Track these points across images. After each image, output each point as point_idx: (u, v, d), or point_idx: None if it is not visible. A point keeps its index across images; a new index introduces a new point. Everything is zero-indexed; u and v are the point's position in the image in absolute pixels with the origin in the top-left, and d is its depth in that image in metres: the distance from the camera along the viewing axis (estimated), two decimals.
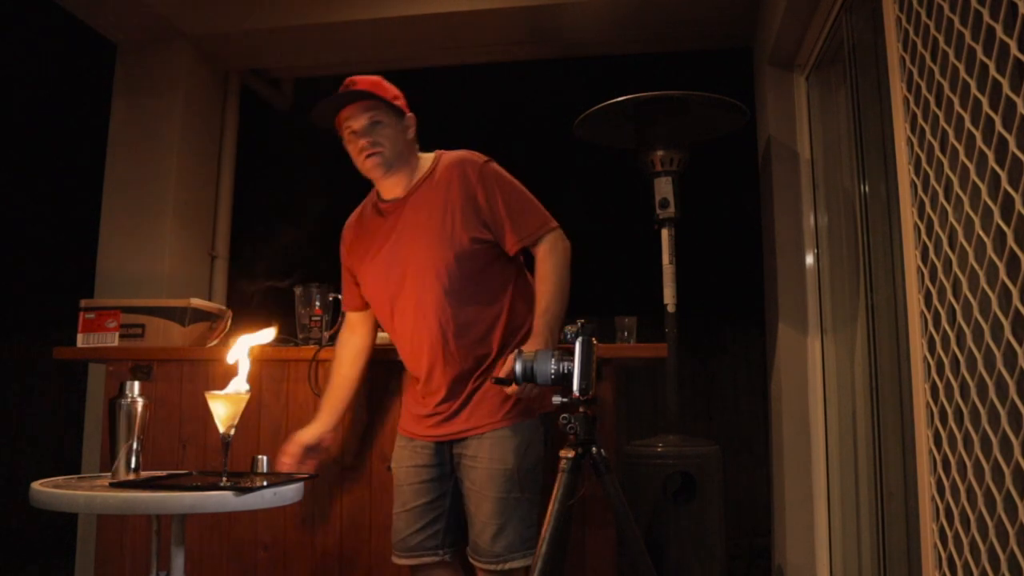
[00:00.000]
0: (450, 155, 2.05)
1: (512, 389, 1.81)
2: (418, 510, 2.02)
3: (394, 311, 2.03)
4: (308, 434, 2.10)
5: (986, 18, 1.29)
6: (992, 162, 1.29)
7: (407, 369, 2.11)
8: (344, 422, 2.42)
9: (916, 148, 1.63)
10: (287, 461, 2.06)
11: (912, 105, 1.64)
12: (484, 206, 1.97)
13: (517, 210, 1.98)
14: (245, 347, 1.80)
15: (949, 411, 1.47)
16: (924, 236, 1.60)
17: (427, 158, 2.07)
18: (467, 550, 1.98)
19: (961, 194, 1.41)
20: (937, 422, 1.53)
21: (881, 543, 2.30)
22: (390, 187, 2.04)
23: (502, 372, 1.83)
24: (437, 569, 2.02)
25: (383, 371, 2.40)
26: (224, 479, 1.75)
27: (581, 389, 1.67)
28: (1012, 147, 1.21)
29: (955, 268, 1.45)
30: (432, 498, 2.02)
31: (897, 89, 1.72)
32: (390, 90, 2.04)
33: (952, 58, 1.43)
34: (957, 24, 1.41)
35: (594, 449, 1.70)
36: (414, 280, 1.97)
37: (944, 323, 1.50)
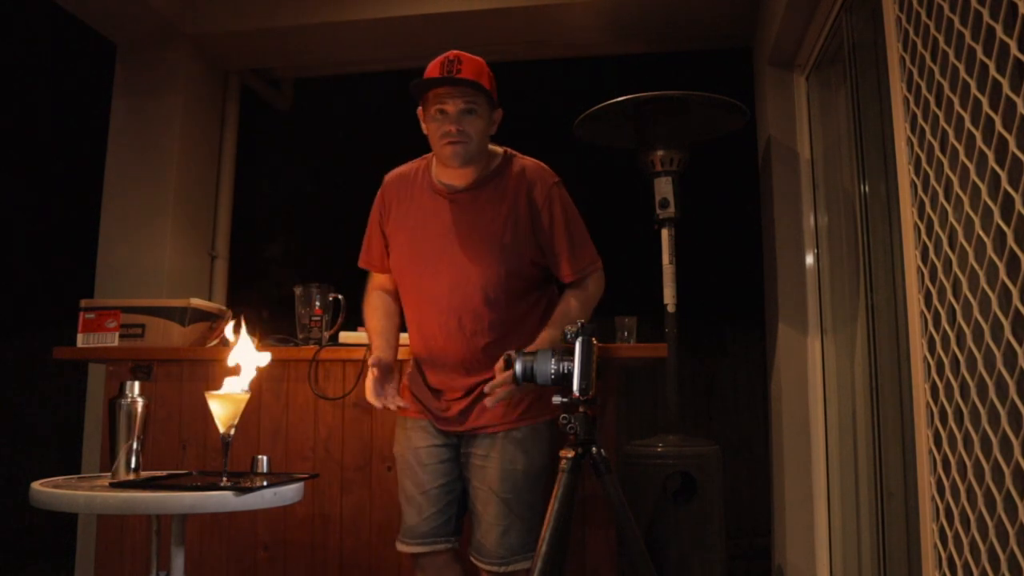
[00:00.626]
0: (523, 161, 2.00)
1: (493, 385, 1.77)
2: (436, 492, 1.97)
3: (422, 298, 1.97)
4: (384, 355, 1.98)
5: (986, 18, 1.29)
6: (992, 162, 1.29)
7: (416, 352, 2.05)
8: (344, 421, 2.42)
9: (916, 148, 1.62)
10: (382, 391, 1.96)
11: (912, 105, 1.64)
12: (546, 229, 1.94)
13: (577, 242, 1.97)
14: (246, 355, 1.80)
15: (949, 411, 1.47)
16: (924, 236, 1.60)
17: (496, 152, 2.00)
18: (469, 550, 1.96)
19: (961, 194, 1.41)
20: (937, 422, 1.53)
21: (881, 543, 2.30)
22: (457, 175, 1.96)
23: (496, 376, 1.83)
24: (446, 557, 1.99)
25: None
26: (224, 479, 1.75)
27: (581, 389, 1.66)
28: (1012, 147, 1.21)
29: (955, 268, 1.45)
30: (450, 479, 1.98)
31: (897, 89, 1.72)
32: (492, 79, 1.94)
33: (952, 58, 1.43)
34: (957, 24, 1.41)
35: (594, 449, 1.70)
36: (458, 279, 1.92)
37: (944, 323, 1.50)
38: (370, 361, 1.96)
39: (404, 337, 2.15)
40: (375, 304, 2.11)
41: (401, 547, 2.01)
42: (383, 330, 2.05)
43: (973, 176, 1.37)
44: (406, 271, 2.01)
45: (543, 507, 1.79)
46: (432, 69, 1.91)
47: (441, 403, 1.98)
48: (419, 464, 1.99)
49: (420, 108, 1.97)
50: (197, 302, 2.55)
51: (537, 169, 1.99)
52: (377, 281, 2.14)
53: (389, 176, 2.11)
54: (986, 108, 1.30)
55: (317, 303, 2.43)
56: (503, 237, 1.92)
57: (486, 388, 1.79)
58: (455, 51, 1.90)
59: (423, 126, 1.98)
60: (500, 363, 1.77)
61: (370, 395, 1.97)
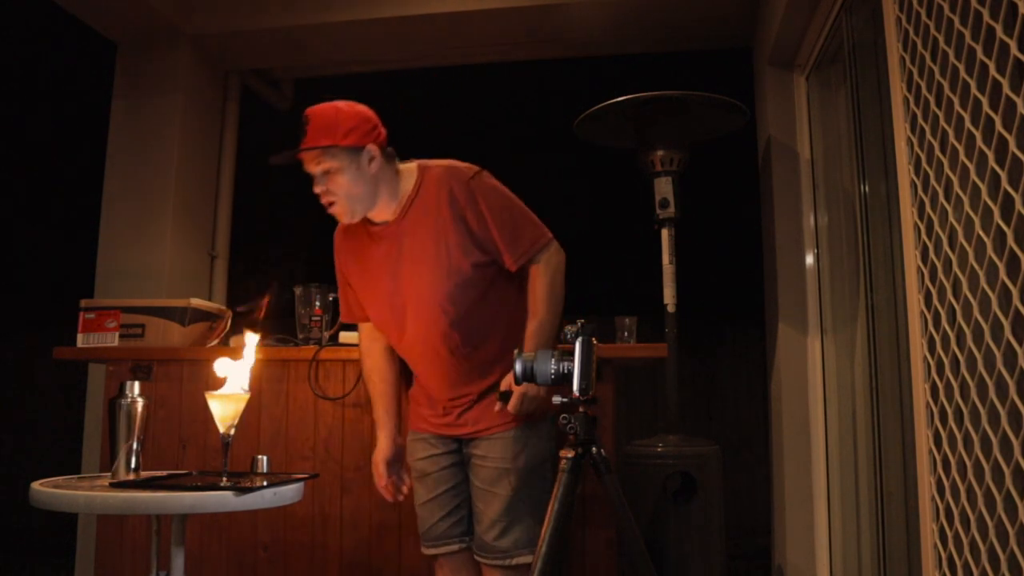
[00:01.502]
0: (435, 170, 1.94)
1: (512, 406, 1.86)
2: (443, 498, 2.02)
3: (402, 338, 2.00)
4: (384, 452, 2.05)
5: (986, 18, 1.29)
6: (992, 162, 1.29)
7: (414, 374, 2.10)
8: (344, 421, 2.42)
9: (916, 148, 1.63)
10: (384, 484, 2.06)
11: (912, 105, 1.64)
12: (476, 227, 1.89)
13: (509, 227, 1.90)
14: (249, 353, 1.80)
15: (949, 411, 1.47)
16: (924, 236, 1.60)
17: (409, 171, 1.95)
18: (473, 548, 1.99)
19: (961, 194, 1.41)
20: (937, 422, 1.53)
21: (881, 543, 2.30)
22: (379, 213, 1.94)
23: (503, 386, 1.89)
24: (461, 557, 2.03)
25: None
26: (224, 479, 1.75)
27: (581, 389, 1.66)
28: (1012, 147, 1.21)
29: (955, 268, 1.45)
30: (455, 484, 2.02)
31: (897, 89, 1.72)
32: (342, 125, 1.85)
33: (952, 58, 1.43)
34: (957, 24, 1.41)
35: (594, 449, 1.70)
36: (418, 314, 1.93)
37: (944, 323, 1.50)
38: (373, 459, 2.06)
39: None
40: (369, 367, 2.12)
41: (423, 549, 2.07)
42: (382, 409, 2.08)
43: (973, 176, 1.37)
44: (375, 315, 2.05)
45: (544, 501, 1.80)
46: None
47: (440, 413, 2.02)
48: (426, 472, 2.04)
49: None
50: (197, 302, 2.55)
51: (448, 171, 1.93)
52: (366, 332, 2.13)
53: (336, 232, 2.10)
54: (986, 108, 1.30)
55: (317, 303, 2.44)
56: (439, 258, 1.89)
57: (510, 408, 1.87)
58: (309, 109, 1.86)
59: None
60: (509, 378, 1.83)
61: (377, 476, 2.07)
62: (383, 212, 1.95)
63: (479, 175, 1.94)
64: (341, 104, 1.89)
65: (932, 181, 1.54)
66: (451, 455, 2.03)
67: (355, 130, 1.86)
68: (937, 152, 1.51)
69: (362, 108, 1.91)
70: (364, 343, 2.13)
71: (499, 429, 1.94)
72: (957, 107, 1.42)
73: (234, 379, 1.76)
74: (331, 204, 1.90)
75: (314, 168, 1.88)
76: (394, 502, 2.08)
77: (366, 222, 1.98)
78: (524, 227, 1.93)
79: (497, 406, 1.89)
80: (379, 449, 2.06)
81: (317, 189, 1.89)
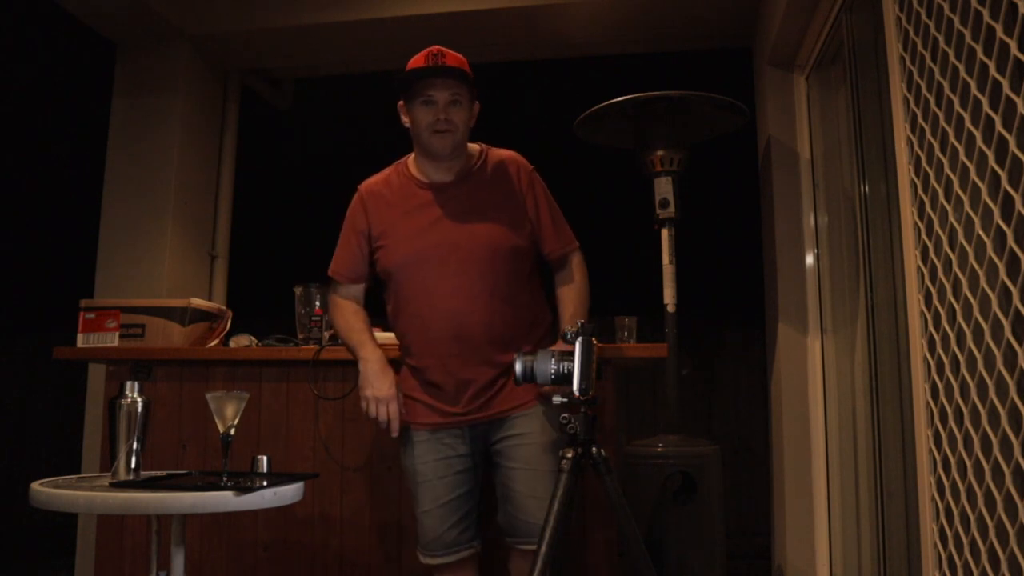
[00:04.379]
0: (499, 151, 2.10)
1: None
2: (453, 504, 1.97)
3: (431, 294, 1.97)
4: (389, 371, 1.99)
5: (986, 18, 1.29)
6: (992, 162, 1.29)
7: (413, 359, 2.03)
8: (344, 421, 2.42)
9: (916, 148, 1.63)
10: (396, 413, 1.97)
11: (912, 105, 1.64)
12: (530, 211, 2.04)
13: (557, 219, 2.09)
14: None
15: (949, 411, 1.47)
16: (924, 236, 1.60)
17: (472, 147, 2.09)
18: (507, 539, 1.94)
19: (961, 194, 1.41)
20: (937, 422, 1.53)
21: (881, 543, 2.30)
22: (440, 169, 2.03)
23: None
24: (469, 563, 1.99)
25: None
26: (224, 479, 1.75)
27: (581, 389, 1.67)
28: (1012, 147, 1.21)
29: (955, 268, 1.45)
30: (467, 489, 1.98)
31: (897, 89, 1.72)
32: (470, 72, 2.01)
33: (952, 58, 1.43)
34: (957, 24, 1.41)
35: (594, 449, 1.70)
36: (469, 268, 1.95)
37: (944, 323, 1.50)
38: (383, 391, 1.95)
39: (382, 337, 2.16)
40: (351, 311, 2.10)
41: (427, 560, 2.00)
42: (366, 333, 2.06)
43: (973, 176, 1.37)
44: (409, 272, 2.01)
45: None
46: (416, 61, 1.96)
47: (457, 399, 1.97)
48: (436, 477, 1.97)
49: (401, 101, 2.02)
50: (197, 302, 2.55)
51: (515, 158, 2.10)
52: (346, 291, 2.12)
53: (365, 186, 2.13)
54: (986, 108, 1.30)
55: (317, 303, 2.43)
56: (502, 221, 2.00)
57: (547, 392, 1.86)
58: (437, 46, 1.96)
59: (404, 119, 2.04)
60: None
61: (383, 408, 1.96)
62: (446, 171, 2.03)
63: (536, 170, 2.12)
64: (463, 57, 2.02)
65: (932, 181, 1.54)
66: (468, 458, 1.98)
67: (474, 83, 2.00)
68: (937, 152, 1.51)
69: None
70: (343, 300, 2.11)
71: (531, 405, 1.94)
72: (957, 107, 1.42)
73: None
74: (447, 131, 1.96)
75: (445, 93, 1.94)
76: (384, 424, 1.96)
77: (413, 179, 2.05)
78: (565, 224, 2.12)
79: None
80: (387, 375, 1.96)
81: (440, 115, 1.94)
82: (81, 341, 2.49)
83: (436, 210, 2.01)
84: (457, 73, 1.94)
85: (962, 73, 1.39)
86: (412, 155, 2.10)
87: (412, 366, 2.05)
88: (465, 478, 1.98)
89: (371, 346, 2.03)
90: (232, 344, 2.53)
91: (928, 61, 1.55)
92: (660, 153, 2.85)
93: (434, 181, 2.04)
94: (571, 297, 2.06)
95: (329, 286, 2.16)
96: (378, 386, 1.96)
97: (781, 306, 3.03)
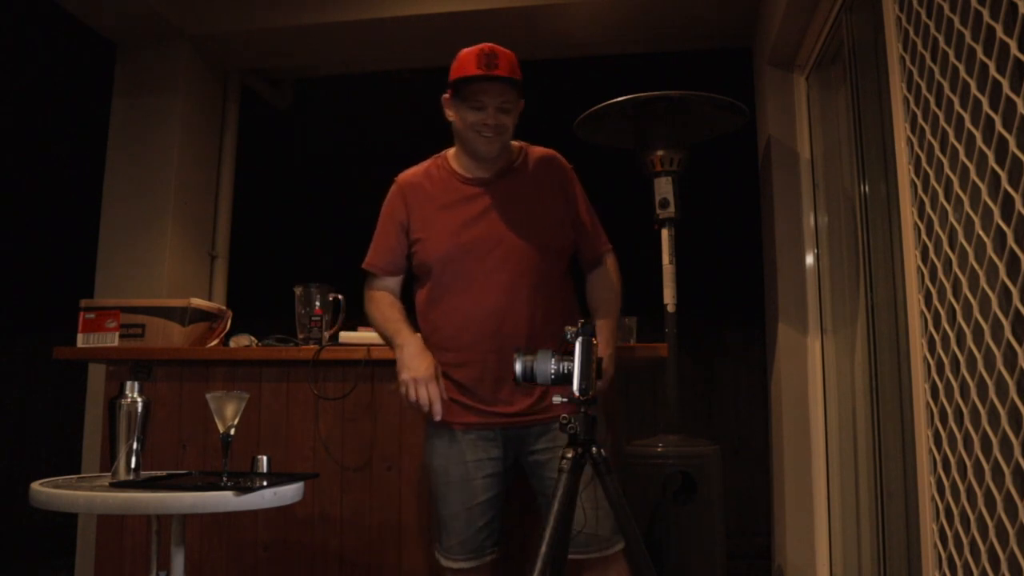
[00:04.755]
0: (538, 149, 2.11)
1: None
2: (484, 506, 1.93)
3: (470, 284, 1.95)
4: (429, 356, 1.92)
5: (986, 18, 1.29)
6: (992, 162, 1.29)
7: (448, 355, 1.97)
8: (344, 421, 2.42)
9: (916, 148, 1.63)
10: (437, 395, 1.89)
11: (912, 105, 1.64)
12: (571, 210, 2.07)
13: (595, 220, 2.13)
14: None
15: (949, 411, 1.47)
16: (924, 236, 1.60)
17: (513, 144, 2.09)
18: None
19: (961, 194, 1.41)
20: (937, 422, 1.53)
21: (881, 543, 2.30)
22: (482, 166, 2.02)
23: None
24: (485, 570, 1.95)
25: (388, 372, 2.40)
26: (224, 479, 1.75)
27: (581, 389, 1.66)
28: (1012, 147, 1.21)
29: (955, 268, 1.45)
30: (495, 493, 1.95)
31: (897, 89, 1.72)
32: (520, 72, 1.98)
33: (952, 58, 1.43)
34: (957, 24, 1.41)
35: (594, 449, 1.69)
36: (510, 262, 1.95)
37: (944, 323, 1.50)
38: (420, 372, 1.87)
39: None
40: (387, 302, 2.05)
41: (448, 563, 1.95)
42: (407, 323, 2.01)
43: (973, 176, 1.37)
44: (448, 266, 1.97)
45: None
46: (467, 58, 1.92)
47: (493, 398, 1.93)
48: (468, 478, 1.93)
49: (447, 95, 1.99)
50: (197, 302, 2.55)
51: (555, 156, 2.12)
52: (382, 284, 2.08)
53: (403, 177, 2.09)
54: (986, 108, 1.30)
55: (317, 303, 2.43)
56: (543, 218, 2.01)
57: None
58: (488, 44, 1.92)
59: (449, 112, 2.00)
60: None
61: (423, 389, 1.87)
62: (487, 168, 2.03)
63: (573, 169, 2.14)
64: (512, 53, 1.99)
65: (932, 181, 1.54)
66: (499, 461, 1.95)
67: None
68: (937, 152, 1.51)
69: None
70: (378, 294, 2.06)
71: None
72: (957, 107, 1.42)
73: None
74: (496, 136, 1.95)
75: (496, 99, 1.93)
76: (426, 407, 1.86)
77: (454, 174, 2.05)
78: (600, 225, 2.15)
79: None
80: (424, 355, 1.90)
81: (490, 120, 1.93)
82: (81, 341, 2.49)
83: (478, 205, 2.00)
84: (511, 82, 1.92)
85: (962, 73, 1.39)
86: (452, 149, 2.08)
87: (444, 363, 1.97)
88: (494, 482, 1.94)
89: (407, 332, 1.97)
90: (232, 344, 2.53)
91: (928, 61, 1.55)
92: (660, 153, 2.85)
93: (476, 176, 2.03)
94: (605, 298, 2.10)
95: (365, 280, 2.11)
96: (414, 367, 1.88)
97: (781, 306, 3.03)
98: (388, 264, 2.06)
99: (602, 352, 1.88)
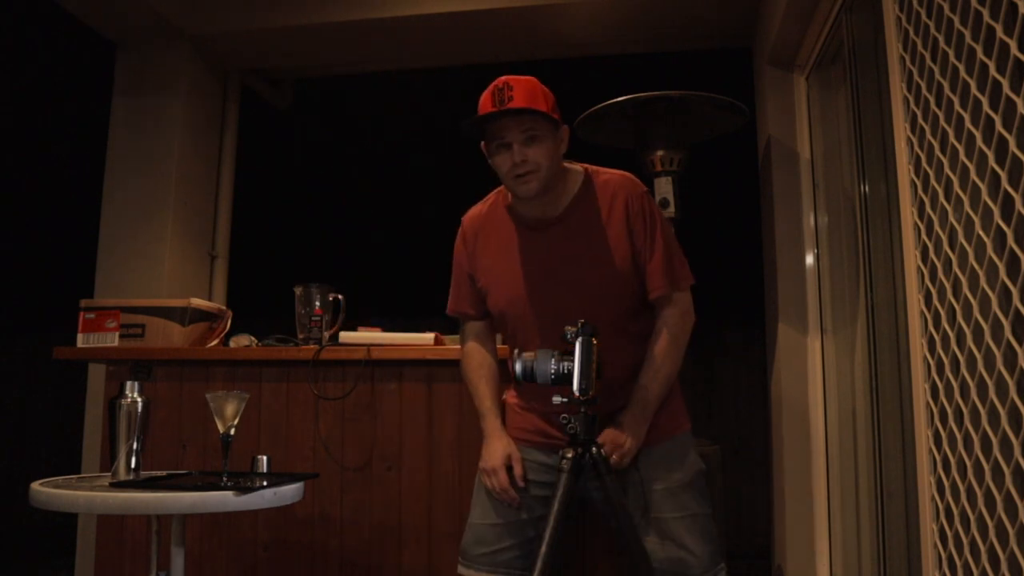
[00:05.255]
0: (607, 175, 1.90)
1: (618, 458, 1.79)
2: (523, 523, 1.87)
3: (531, 337, 1.86)
4: (504, 447, 1.88)
5: (986, 18, 1.29)
6: (992, 162, 1.29)
7: (523, 400, 1.96)
8: (344, 421, 2.42)
9: (916, 148, 1.63)
10: (506, 487, 1.86)
11: (912, 105, 1.64)
12: (639, 241, 1.85)
13: (668, 250, 1.87)
14: None
15: (949, 411, 1.47)
16: (924, 236, 1.60)
17: (575, 171, 1.90)
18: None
19: (961, 194, 1.41)
20: (937, 422, 1.53)
21: (881, 543, 2.30)
22: (535, 206, 1.86)
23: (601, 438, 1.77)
24: None
25: (388, 372, 2.40)
26: (224, 479, 1.75)
27: (581, 389, 1.66)
28: (1012, 147, 1.21)
29: (955, 268, 1.45)
30: (539, 515, 1.83)
31: (897, 89, 1.72)
32: (548, 96, 1.80)
33: (952, 58, 1.43)
34: (957, 24, 1.41)
35: (594, 449, 1.70)
36: (568, 312, 1.76)
37: (944, 323, 1.50)
38: (490, 463, 1.86)
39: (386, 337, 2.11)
40: (478, 362, 1.99)
41: (462, 570, 1.89)
42: (496, 401, 1.95)
43: (973, 176, 1.37)
44: (511, 316, 1.91)
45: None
46: (484, 101, 1.79)
47: (559, 431, 1.82)
48: (519, 492, 1.87)
49: (483, 143, 1.85)
50: (197, 302, 2.55)
51: (624, 180, 1.90)
52: (472, 329, 2.02)
53: (466, 218, 2.00)
54: (986, 108, 1.30)
55: (317, 303, 2.43)
56: (604, 262, 1.84)
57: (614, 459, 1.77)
58: (504, 77, 1.79)
59: (490, 161, 1.86)
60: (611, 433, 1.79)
61: (490, 480, 1.87)
62: (547, 206, 1.86)
63: (648, 192, 1.92)
64: (534, 79, 1.82)
65: (932, 181, 1.54)
66: (549, 487, 1.79)
67: (556, 107, 1.83)
68: (937, 152, 1.51)
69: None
70: (471, 343, 2.01)
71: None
72: (957, 107, 1.42)
73: None
74: (528, 173, 1.77)
75: (518, 134, 1.76)
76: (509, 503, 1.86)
77: (514, 213, 1.91)
78: (678, 257, 1.91)
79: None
80: (497, 446, 1.87)
81: (516, 158, 1.76)
82: (81, 341, 2.49)
83: (533, 252, 1.88)
84: (525, 112, 1.74)
85: (962, 73, 1.39)
86: None
87: (531, 409, 1.95)
88: (540, 504, 1.83)
89: (489, 417, 1.92)
90: (232, 344, 2.53)
91: (928, 61, 1.55)
92: (660, 153, 2.85)
93: (530, 218, 1.89)
94: (648, 359, 1.86)
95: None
96: (486, 456, 1.88)
97: (781, 306, 3.03)
98: (467, 309, 2.00)
99: (619, 437, 1.79)
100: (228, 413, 1.79)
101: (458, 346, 2.08)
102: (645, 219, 1.86)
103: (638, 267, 1.86)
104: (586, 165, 1.93)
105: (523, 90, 1.76)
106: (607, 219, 1.85)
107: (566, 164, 1.90)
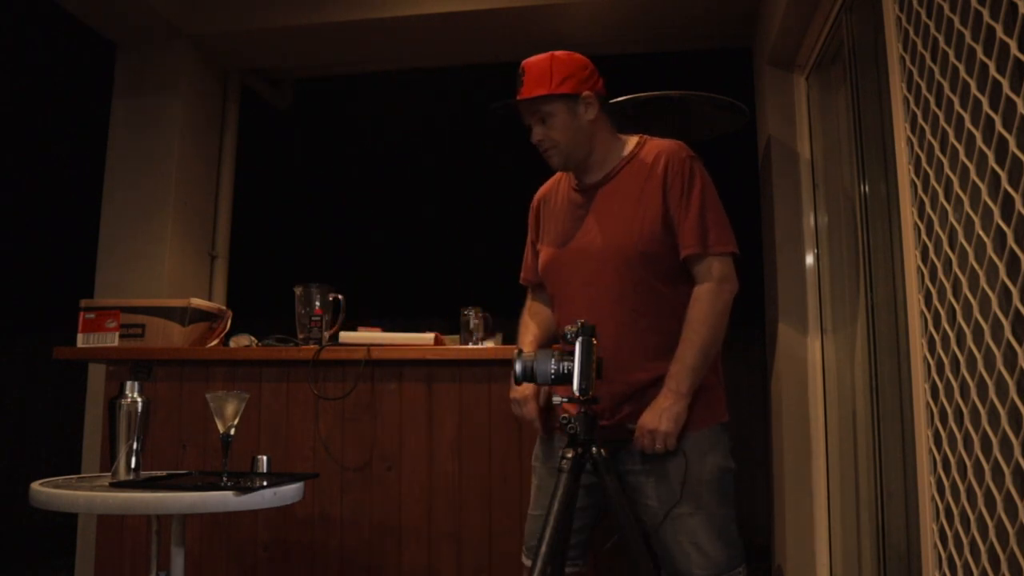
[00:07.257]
0: (657, 140, 1.96)
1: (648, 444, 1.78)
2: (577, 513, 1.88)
3: (567, 299, 1.92)
4: (532, 386, 1.90)
5: (986, 18, 1.29)
6: (992, 162, 1.29)
7: None
8: (344, 421, 2.42)
9: (916, 148, 1.63)
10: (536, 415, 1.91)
11: (912, 105, 1.64)
12: (674, 202, 1.84)
13: (705, 213, 1.85)
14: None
15: (949, 411, 1.47)
16: (924, 236, 1.60)
17: (630, 140, 1.97)
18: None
19: (961, 194, 1.41)
20: (937, 422, 1.53)
21: (881, 543, 2.30)
22: (588, 171, 1.94)
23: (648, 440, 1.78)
24: None
25: (388, 372, 2.40)
26: (224, 479, 1.75)
27: (581, 389, 1.66)
28: (1012, 147, 1.21)
29: (955, 268, 1.45)
30: (579, 506, 1.85)
31: (897, 89, 1.72)
32: (557, 73, 1.85)
33: (952, 58, 1.43)
34: (957, 24, 1.41)
35: (594, 449, 1.70)
36: (598, 274, 1.85)
37: (944, 323, 1.50)
38: (521, 391, 1.91)
39: (387, 337, 2.12)
40: (531, 313, 2.08)
41: (526, 560, 1.94)
42: (533, 336, 2.02)
43: (973, 176, 1.37)
44: (550, 278, 1.97)
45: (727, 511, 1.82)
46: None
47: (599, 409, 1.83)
48: (545, 483, 1.91)
49: None
50: (197, 302, 2.55)
51: (672, 144, 1.93)
52: (536, 295, 2.10)
53: (539, 192, 2.11)
54: (986, 108, 1.30)
55: (317, 303, 2.43)
56: (638, 221, 1.84)
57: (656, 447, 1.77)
58: (525, 60, 1.88)
59: None
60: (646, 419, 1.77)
61: (518, 408, 1.94)
62: (592, 173, 1.94)
63: (698, 159, 1.93)
64: (558, 53, 1.90)
65: (932, 181, 1.54)
66: (589, 473, 1.81)
67: (571, 78, 1.87)
68: (937, 152, 1.51)
69: (579, 56, 1.93)
70: (531, 301, 2.09)
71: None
72: (957, 107, 1.42)
73: None
74: (548, 149, 1.90)
75: (531, 118, 1.89)
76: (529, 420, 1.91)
77: (574, 182, 1.98)
78: (716, 221, 1.87)
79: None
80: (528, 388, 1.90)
81: (536, 138, 1.90)
82: (81, 341, 2.49)
83: (578, 213, 1.94)
84: (527, 101, 1.85)
85: (962, 73, 1.39)
86: None
87: None
88: (584, 493, 1.82)
89: (525, 348, 1.97)
90: (232, 344, 2.53)
91: (928, 61, 1.55)
92: None
93: (581, 183, 1.96)
94: (687, 323, 1.82)
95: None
96: (514, 387, 1.93)
97: (781, 306, 3.03)
98: (531, 276, 2.09)
99: (651, 420, 1.77)
100: (228, 413, 1.79)
101: (458, 346, 2.09)
102: (684, 179, 1.86)
103: (670, 227, 1.85)
104: (644, 135, 2.00)
105: (532, 74, 1.86)
106: (646, 179, 1.89)
107: (624, 136, 1.98)
